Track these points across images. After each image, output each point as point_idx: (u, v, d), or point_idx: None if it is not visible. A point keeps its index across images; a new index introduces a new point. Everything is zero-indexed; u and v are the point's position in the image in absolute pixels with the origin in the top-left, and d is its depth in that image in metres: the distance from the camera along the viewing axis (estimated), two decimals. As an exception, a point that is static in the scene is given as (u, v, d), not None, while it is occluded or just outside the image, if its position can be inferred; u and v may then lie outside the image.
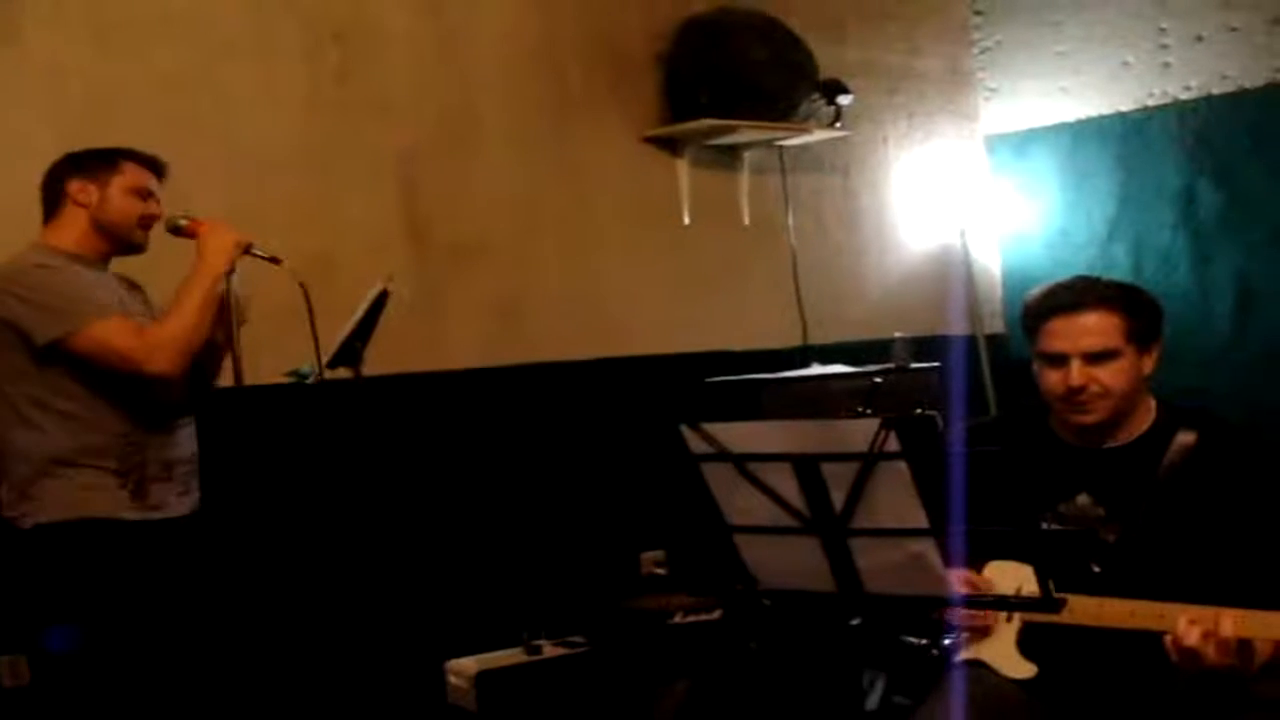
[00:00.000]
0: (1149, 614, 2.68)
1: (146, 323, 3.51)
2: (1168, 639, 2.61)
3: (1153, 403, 3.00)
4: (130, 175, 3.55)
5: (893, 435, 2.29)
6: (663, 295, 5.59)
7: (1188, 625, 2.57)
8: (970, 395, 5.76)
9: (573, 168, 5.39)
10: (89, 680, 3.39)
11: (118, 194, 3.53)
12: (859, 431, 2.31)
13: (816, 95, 5.69)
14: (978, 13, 6.73)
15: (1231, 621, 2.55)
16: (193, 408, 3.64)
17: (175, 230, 3.60)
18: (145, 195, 3.57)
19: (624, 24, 5.57)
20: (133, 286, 3.66)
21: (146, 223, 3.58)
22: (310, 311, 3.56)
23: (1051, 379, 2.93)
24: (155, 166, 3.62)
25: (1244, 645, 2.57)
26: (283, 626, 4.49)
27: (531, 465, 5.11)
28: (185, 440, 3.60)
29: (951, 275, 6.40)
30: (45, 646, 3.45)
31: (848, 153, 6.21)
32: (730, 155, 5.83)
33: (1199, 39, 5.94)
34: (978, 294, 6.44)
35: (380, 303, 3.78)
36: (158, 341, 3.40)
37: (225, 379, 3.65)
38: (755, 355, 5.64)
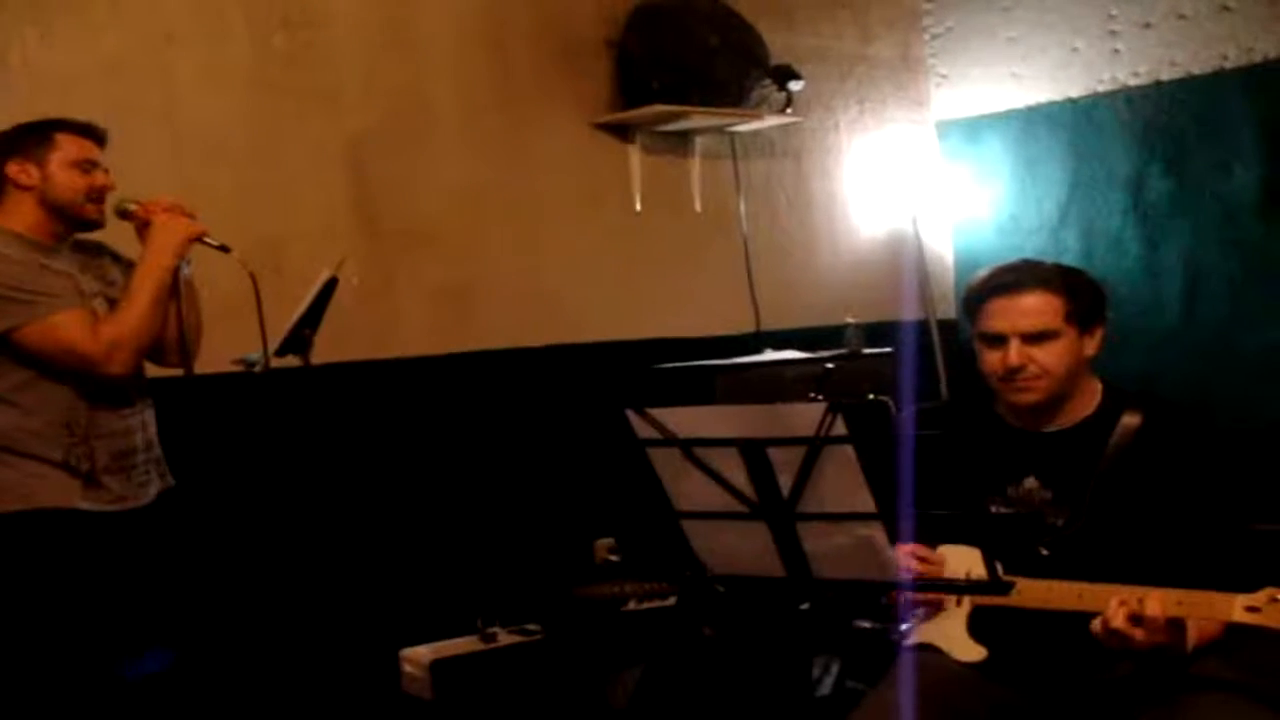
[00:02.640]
0: (1096, 596, 2.69)
1: (103, 304, 3.47)
2: (1096, 621, 2.62)
3: (1098, 385, 3.01)
4: (68, 148, 3.46)
5: (839, 419, 2.29)
6: (615, 282, 5.58)
7: (1116, 606, 2.59)
8: (922, 380, 5.77)
9: (523, 154, 5.36)
10: (38, 672, 3.36)
11: (59, 170, 3.44)
12: (805, 416, 2.31)
13: (768, 81, 5.69)
14: (929, -1, 6.75)
15: (1157, 601, 2.57)
16: (146, 395, 3.60)
17: (124, 215, 3.53)
18: (89, 166, 3.48)
19: (575, 9, 5.55)
20: (97, 253, 3.59)
21: (96, 195, 3.49)
22: (258, 300, 3.53)
23: (990, 359, 2.95)
24: (93, 133, 3.53)
25: (1175, 624, 2.59)
26: (235, 617, 4.46)
27: (484, 453, 5.09)
28: (139, 429, 3.55)
29: (903, 261, 6.42)
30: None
31: (799, 139, 6.21)
32: (682, 141, 5.82)
33: (1147, 25, 5.96)
34: (930, 279, 6.45)
35: (329, 289, 3.76)
36: (113, 339, 3.35)
37: (175, 369, 3.62)
38: (708, 341, 5.64)
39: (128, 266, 3.57)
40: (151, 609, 3.58)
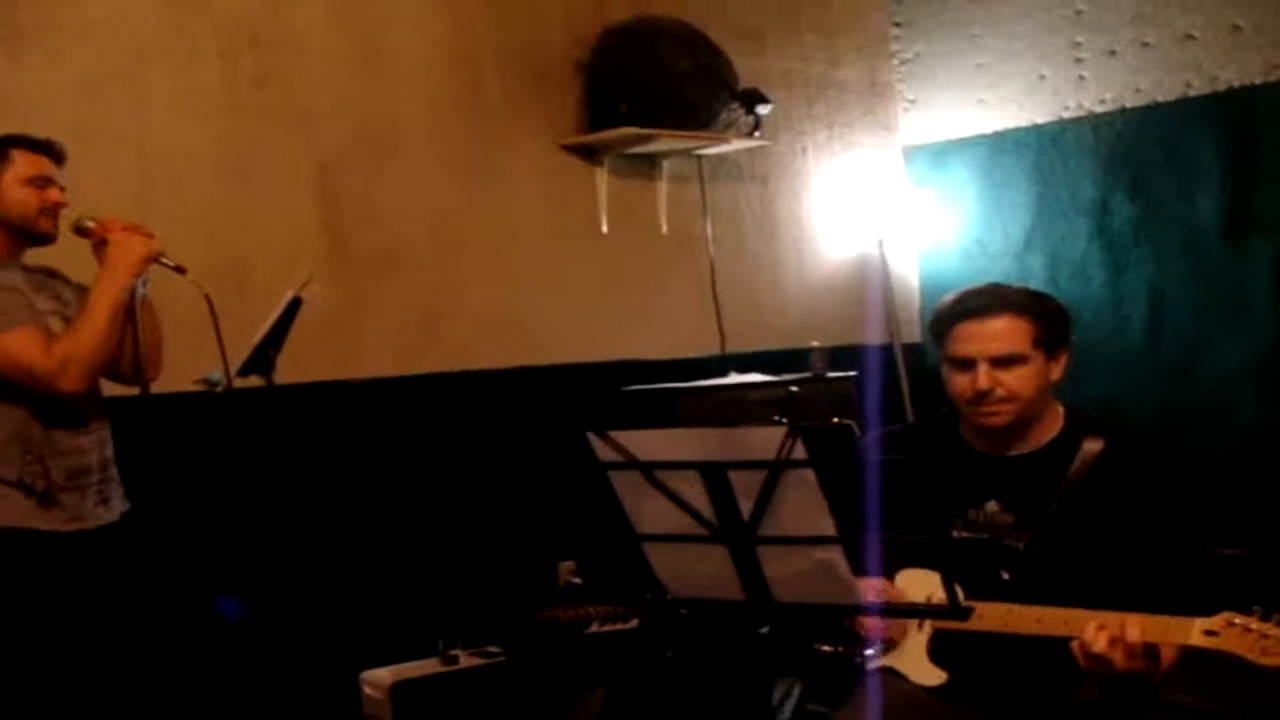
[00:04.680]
0: (1057, 620, 2.70)
1: (58, 323, 3.45)
2: (1075, 644, 2.63)
3: (1061, 410, 3.03)
4: (22, 164, 3.45)
5: (799, 443, 2.28)
6: (581, 304, 5.57)
7: (1096, 631, 2.59)
8: (887, 404, 5.79)
9: (492, 176, 5.36)
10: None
11: (13, 186, 3.43)
12: (766, 439, 2.30)
13: (736, 105, 5.69)
14: (897, 25, 6.77)
15: (1138, 627, 2.57)
16: (103, 415, 3.58)
17: (82, 232, 3.51)
18: (43, 183, 3.47)
19: (544, 33, 5.55)
20: (49, 276, 3.58)
21: (50, 211, 3.48)
22: (215, 321, 3.51)
23: (959, 383, 2.95)
24: (49, 150, 3.52)
25: (1150, 650, 2.60)
26: (197, 638, 4.43)
27: (447, 475, 5.08)
28: (94, 447, 3.52)
29: (869, 285, 6.43)
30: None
31: (767, 162, 6.22)
32: (649, 164, 5.83)
33: (1113, 53, 6.00)
34: (895, 304, 6.47)
35: (293, 309, 3.74)
36: (66, 356, 3.33)
37: (132, 388, 3.60)
38: (673, 364, 5.64)
39: (80, 289, 3.55)
40: (111, 630, 3.54)
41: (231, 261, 4.58)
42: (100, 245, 3.48)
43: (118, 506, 3.57)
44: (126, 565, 3.58)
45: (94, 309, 3.39)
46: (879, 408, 5.31)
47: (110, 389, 3.64)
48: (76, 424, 3.46)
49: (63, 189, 3.53)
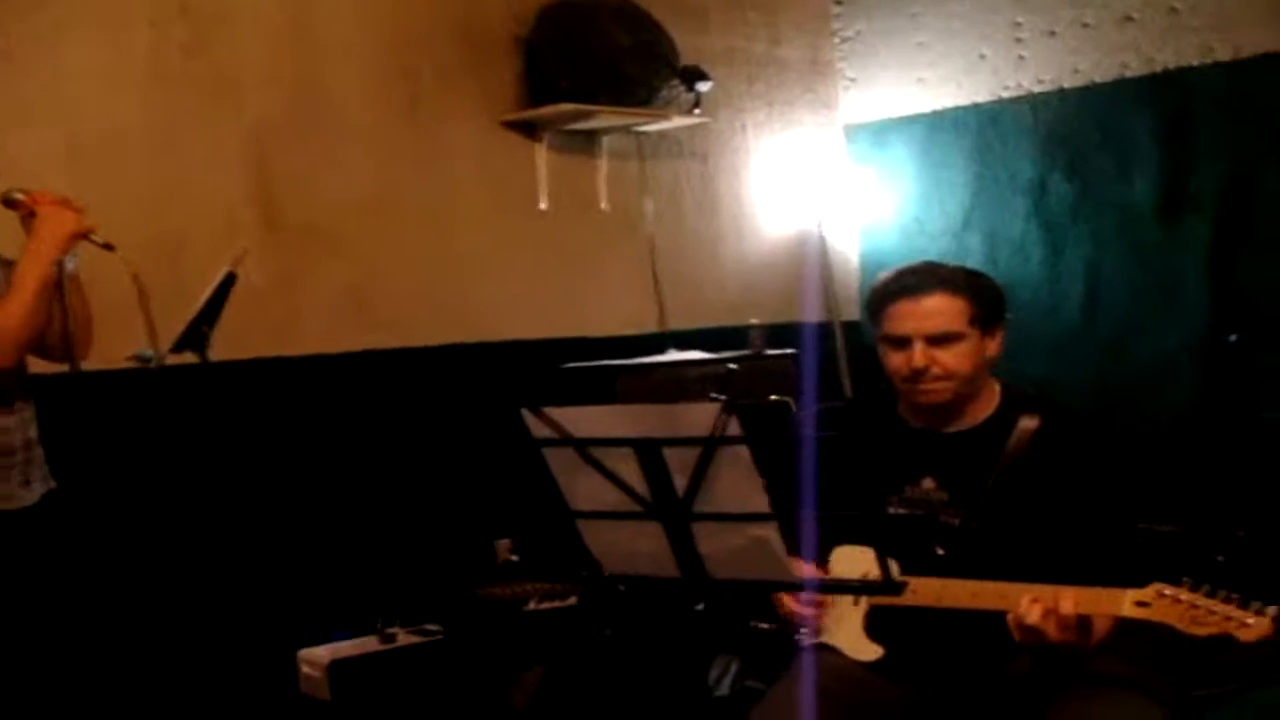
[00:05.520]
0: (991, 594, 2.73)
1: None
2: (1010, 617, 2.66)
3: (997, 387, 3.05)
4: None
5: (734, 419, 2.28)
6: (520, 281, 5.55)
7: (1030, 604, 2.62)
8: (826, 381, 5.80)
9: (429, 151, 5.32)
10: None
11: None
12: (701, 416, 2.30)
13: (676, 82, 5.68)
14: (838, 3, 6.77)
15: (1071, 599, 2.60)
16: (27, 394, 3.53)
17: (10, 204, 3.45)
18: None
19: (483, 6, 5.51)
20: None
21: None
22: (144, 299, 3.45)
23: (895, 361, 2.97)
24: None
25: (1083, 622, 2.63)
26: (130, 618, 4.40)
27: (386, 452, 5.05)
28: (18, 428, 3.45)
29: (809, 263, 6.44)
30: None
31: (707, 140, 6.21)
32: (589, 140, 5.80)
33: (1052, 34, 6.02)
34: (834, 281, 6.48)
35: (227, 285, 3.70)
36: None
37: (61, 365, 3.55)
38: (612, 341, 5.63)
39: (7, 265, 3.50)
40: (37, 612, 3.49)
41: (165, 236, 4.53)
42: (29, 218, 3.43)
43: (39, 488, 3.51)
44: (47, 547, 3.52)
45: (21, 283, 3.33)
46: (817, 385, 5.32)
47: (39, 367, 3.60)
48: (4, 402, 3.41)
49: None
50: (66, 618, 3.68)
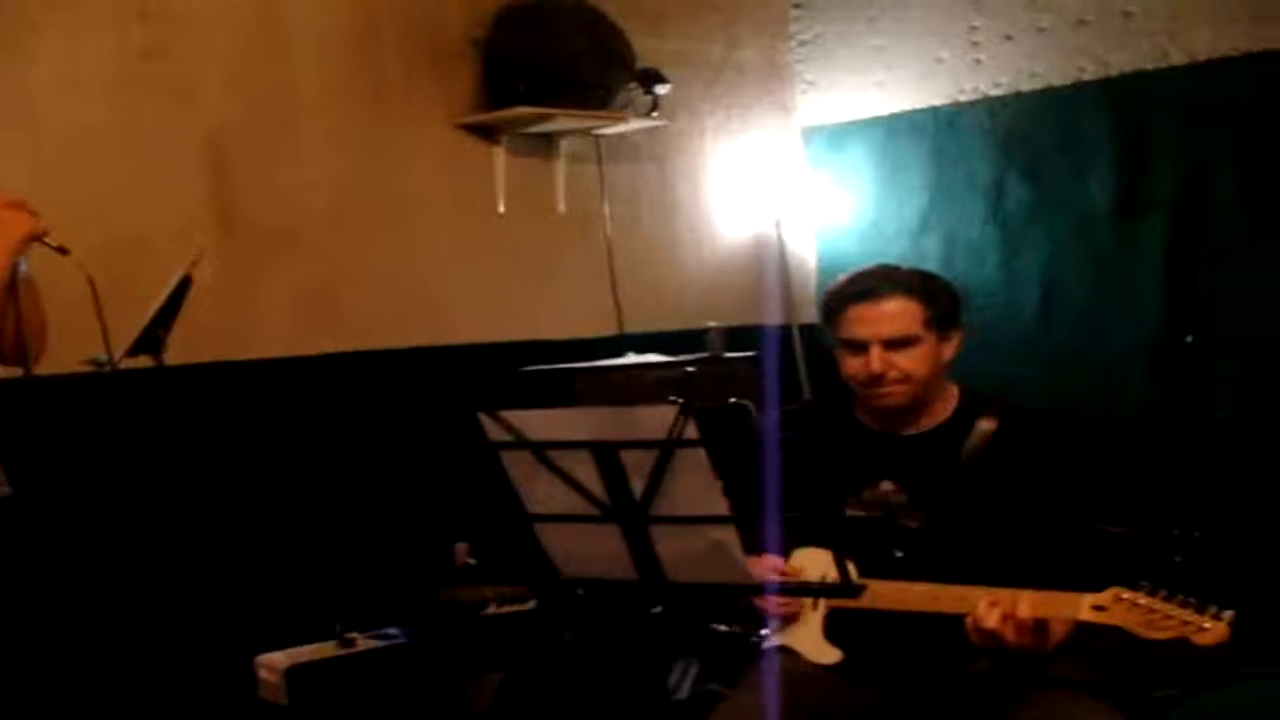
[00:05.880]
0: (950, 597, 2.73)
1: None
2: (968, 621, 2.66)
3: (955, 390, 3.06)
4: None
5: (691, 422, 2.28)
6: (478, 283, 5.54)
7: (987, 607, 2.63)
8: (784, 384, 5.80)
9: (388, 153, 5.31)
10: None
11: None
12: (657, 418, 2.29)
13: (634, 84, 5.68)
14: (796, 6, 6.78)
15: (1028, 603, 2.61)
16: None
17: None
18: None
19: (443, 9, 5.50)
20: None
21: None
22: (98, 303, 3.42)
23: (852, 365, 2.97)
24: None
25: (1040, 626, 2.63)
26: (86, 624, 4.36)
27: (343, 456, 5.03)
28: None
29: (766, 266, 6.44)
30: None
31: (665, 143, 6.21)
32: (547, 143, 5.79)
33: (1009, 38, 6.05)
34: (792, 284, 6.49)
35: (183, 288, 3.69)
36: None
37: (14, 369, 3.51)
38: (570, 344, 5.63)
39: None
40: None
41: (124, 239, 4.50)
42: None
43: None
44: (9, 548, 3.49)
45: None
46: (776, 388, 5.32)
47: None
48: None
49: None
50: (17, 622, 3.64)
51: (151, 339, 3.68)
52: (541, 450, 2.42)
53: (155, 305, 3.66)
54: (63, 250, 3.42)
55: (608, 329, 5.88)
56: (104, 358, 3.59)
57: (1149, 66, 5.59)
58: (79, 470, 4.39)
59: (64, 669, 4.25)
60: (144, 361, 3.72)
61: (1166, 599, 2.52)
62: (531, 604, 4.66)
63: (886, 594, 2.78)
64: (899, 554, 2.92)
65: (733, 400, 4.67)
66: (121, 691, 4.40)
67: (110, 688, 4.39)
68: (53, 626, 4.23)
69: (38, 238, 3.39)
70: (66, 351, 3.59)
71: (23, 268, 3.39)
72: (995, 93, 6.11)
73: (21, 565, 3.71)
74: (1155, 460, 5.41)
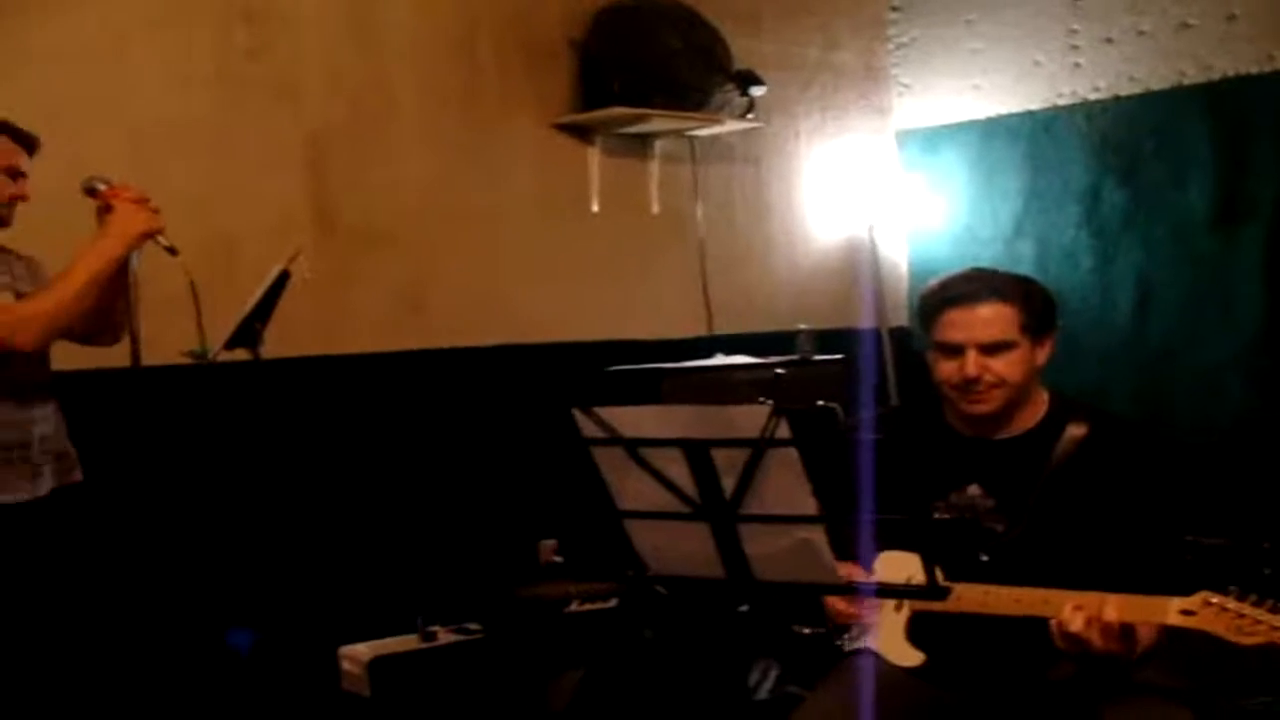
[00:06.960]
0: (1035, 601, 2.71)
1: (9, 296, 3.42)
2: (1053, 624, 2.64)
3: (1045, 395, 3.03)
4: (2, 153, 3.45)
5: (784, 422, 2.28)
6: (569, 283, 5.57)
7: (1073, 610, 2.60)
8: (874, 388, 5.78)
9: (483, 153, 5.35)
10: None
11: None
12: (750, 417, 2.30)
13: (730, 86, 5.68)
14: (894, 9, 6.76)
15: (1115, 606, 2.58)
16: (49, 390, 3.53)
17: (90, 192, 3.49)
18: (15, 174, 3.47)
19: (540, 10, 5.53)
20: (16, 258, 3.57)
21: (12, 203, 3.48)
22: (197, 305, 3.49)
23: (947, 369, 2.96)
24: (28, 142, 3.51)
25: (1127, 630, 2.61)
26: (176, 610, 4.43)
27: (431, 451, 5.08)
28: (41, 420, 3.48)
29: (858, 269, 6.43)
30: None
31: (759, 144, 6.21)
32: (641, 144, 5.81)
33: (1108, 41, 5.99)
34: (884, 288, 6.47)
35: (281, 283, 3.74)
36: (27, 315, 3.32)
37: (122, 359, 3.58)
38: (660, 345, 5.64)
39: (30, 263, 3.55)
40: (35, 605, 3.50)
41: (220, 235, 4.57)
42: (104, 210, 3.47)
43: (47, 483, 3.50)
44: (52, 541, 3.52)
45: (74, 270, 3.36)
46: (866, 391, 5.30)
47: (93, 359, 3.64)
48: (26, 396, 3.44)
49: (27, 180, 3.51)
50: (72, 613, 3.66)
51: (249, 332, 3.73)
52: (634, 447, 2.43)
53: (253, 300, 3.71)
54: (172, 250, 3.50)
55: (698, 330, 5.89)
56: (203, 350, 3.65)
57: (1252, 70, 5.52)
58: (179, 459, 4.46)
59: (142, 657, 4.31)
60: (241, 355, 3.77)
61: (1256, 604, 2.49)
62: (613, 602, 4.67)
63: (971, 597, 2.77)
64: (984, 558, 2.90)
65: (820, 403, 4.66)
66: (207, 680, 4.46)
67: (195, 676, 4.44)
68: (145, 611, 4.29)
69: (152, 235, 3.47)
70: (166, 344, 3.67)
71: (133, 262, 3.47)
72: (1093, 97, 6.06)
73: (79, 553, 3.73)
74: (1249, 471, 5.34)
